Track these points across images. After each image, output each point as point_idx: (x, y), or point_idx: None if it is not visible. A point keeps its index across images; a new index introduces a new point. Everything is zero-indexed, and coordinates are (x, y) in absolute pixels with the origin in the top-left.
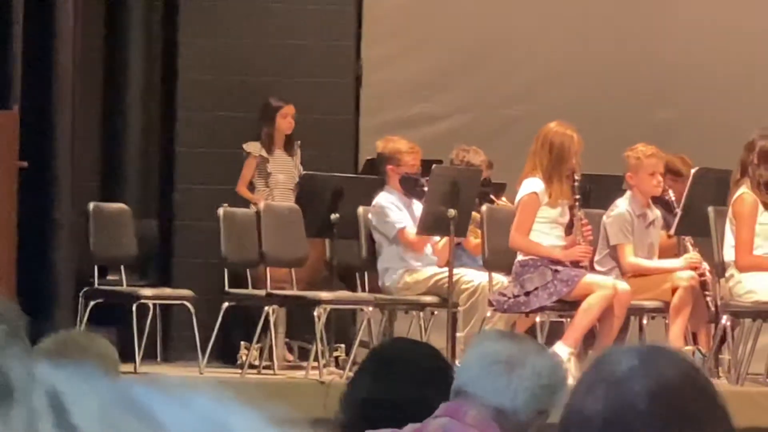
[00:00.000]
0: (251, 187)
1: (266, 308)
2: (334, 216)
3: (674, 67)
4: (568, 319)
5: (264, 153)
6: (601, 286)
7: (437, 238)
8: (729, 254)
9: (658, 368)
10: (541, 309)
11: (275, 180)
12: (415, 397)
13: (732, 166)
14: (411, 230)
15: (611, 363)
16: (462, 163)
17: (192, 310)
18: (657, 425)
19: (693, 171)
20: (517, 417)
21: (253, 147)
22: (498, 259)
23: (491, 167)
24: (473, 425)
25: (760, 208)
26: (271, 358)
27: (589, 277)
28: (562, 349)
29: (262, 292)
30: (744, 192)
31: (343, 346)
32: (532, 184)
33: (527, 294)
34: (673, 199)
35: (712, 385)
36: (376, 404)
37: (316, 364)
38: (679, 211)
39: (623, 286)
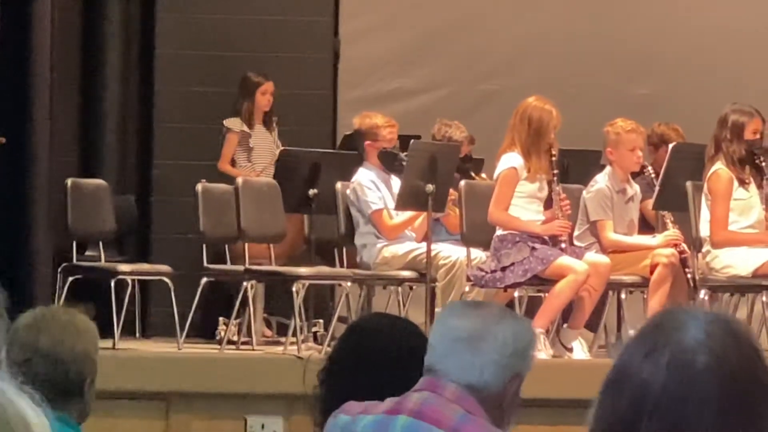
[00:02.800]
0: (232, 163)
1: (245, 284)
2: (312, 191)
3: (651, 42)
4: (546, 294)
5: (245, 128)
6: (574, 270)
7: (412, 225)
8: (705, 230)
9: (723, 348)
10: (516, 285)
11: (258, 155)
12: (394, 371)
13: (708, 141)
14: (387, 213)
15: (677, 329)
16: (444, 138)
17: (170, 285)
18: (714, 406)
19: (671, 146)
20: (489, 390)
21: (233, 123)
22: (476, 235)
23: (473, 143)
24: (452, 400)
25: (735, 183)
26: (249, 334)
27: (565, 259)
28: None
29: (240, 268)
30: (719, 168)
31: (321, 321)
32: (511, 159)
33: (503, 269)
34: (653, 175)
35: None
36: (354, 379)
37: (294, 339)
38: (657, 186)
39: (603, 258)
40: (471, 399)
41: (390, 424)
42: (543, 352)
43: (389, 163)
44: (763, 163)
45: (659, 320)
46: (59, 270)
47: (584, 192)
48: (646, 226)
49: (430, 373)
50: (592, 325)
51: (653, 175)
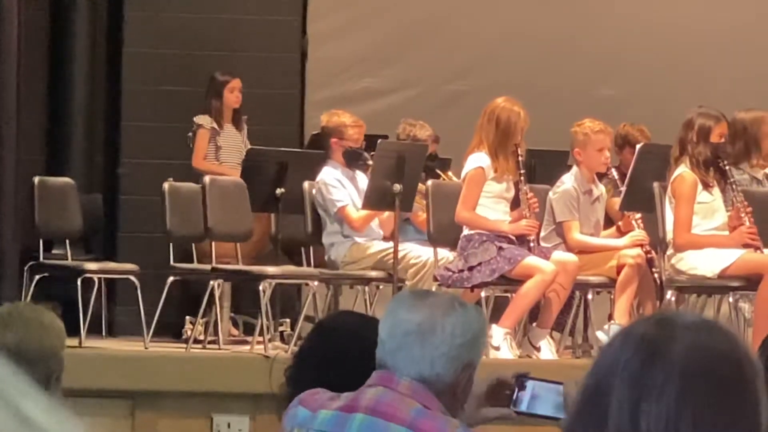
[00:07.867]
0: None
1: (211, 283)
2: (279, 190)
3: (616, 43)
4: (513, 294)
5: (215, 125)
6: (541, 270)
7: (382, 217)
8: (671, 231)
9: (727, 330)
10: (483, 284)
11: (226, 154)
12: (361, 370)
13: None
14: (353, 208)
15: (678, 318)
16: (408, 138)
17: (137, 284)
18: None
19: (638, 147)
20: (441, 381)
21: (204, 119)
22: (443, 234)
23: (438, 141)
24: (407, 394)
25: (699, 186)
26: (216, 333)
27: (532, 259)
28: (497, 330)
29: (207, 267)
30: (684, 171)
31: (288, 320)
32: (479, 159)
33: (470, 269)
34: (617, 177)
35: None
36: (321, 378)
37: (261, 338)
38: (624, 187)
39: (571, 257)
40: (425, 392)
41: (347, 423)
42: (510, 352)
43: (353, 161)
44: (727, 167)
45: (650, 323)
46: (26, 268)
47: (550, 193)
48: (611, 224)
49: (382, 367)
50: (558, 325)
51: (617, 177)
